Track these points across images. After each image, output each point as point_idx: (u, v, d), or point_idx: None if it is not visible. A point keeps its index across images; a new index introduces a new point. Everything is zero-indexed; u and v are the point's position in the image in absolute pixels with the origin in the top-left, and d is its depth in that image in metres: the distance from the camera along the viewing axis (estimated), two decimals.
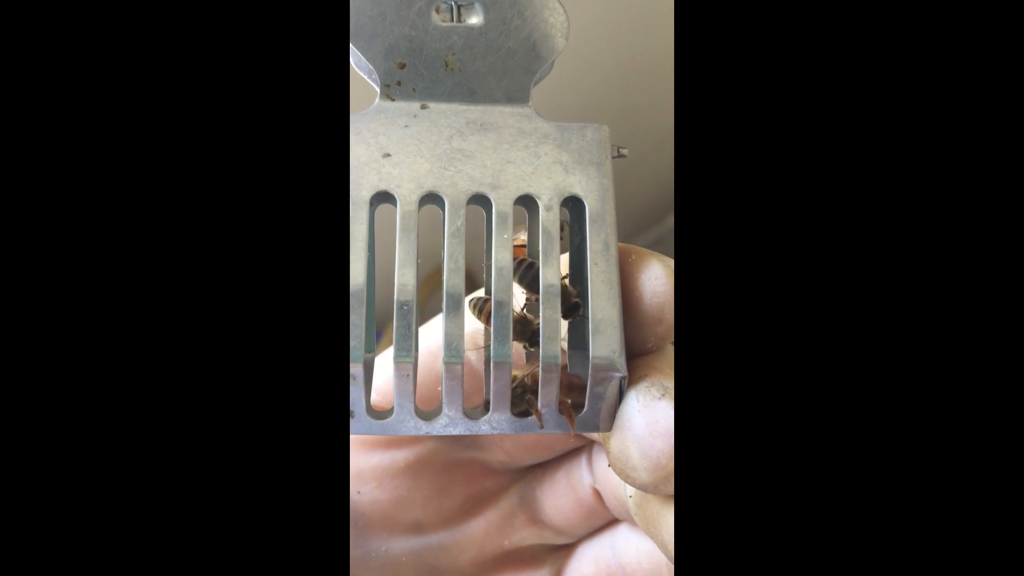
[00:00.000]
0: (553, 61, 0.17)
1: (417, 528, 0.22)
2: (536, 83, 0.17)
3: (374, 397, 0.19)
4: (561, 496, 0.23)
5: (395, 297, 0.16)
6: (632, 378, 0.16)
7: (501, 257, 0.16)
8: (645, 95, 0.76)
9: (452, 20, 0.17)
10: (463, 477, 0.23)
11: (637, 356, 0.17)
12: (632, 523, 0.21)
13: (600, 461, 0.21)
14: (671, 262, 0.17)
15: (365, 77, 0.17)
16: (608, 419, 0.16)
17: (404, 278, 0.16)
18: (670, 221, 0.94)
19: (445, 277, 0.16)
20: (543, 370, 0.16)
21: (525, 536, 0.23)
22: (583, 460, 0.22)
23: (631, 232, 1.04)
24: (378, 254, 0.17)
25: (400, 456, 0.22)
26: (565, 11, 0.17)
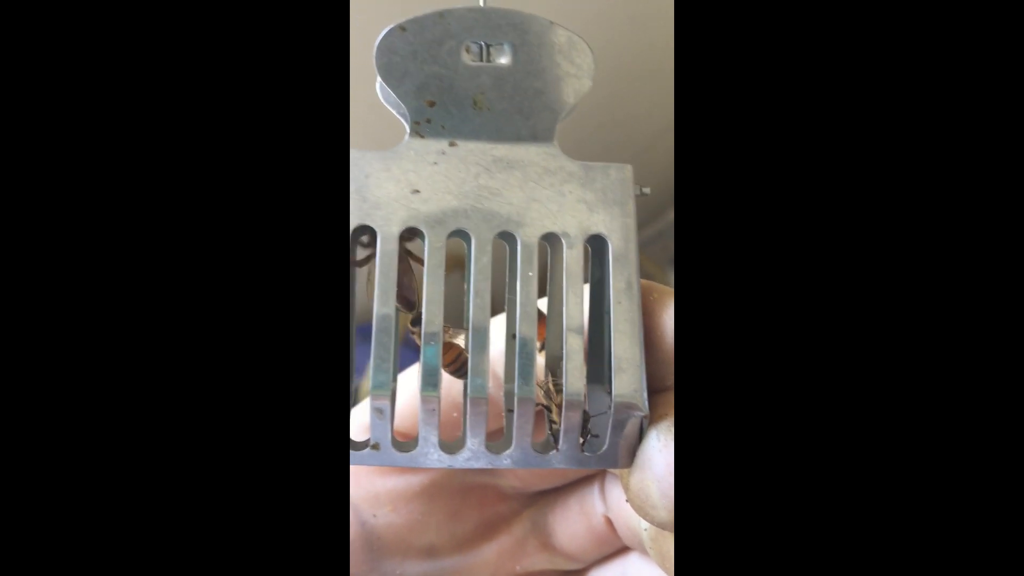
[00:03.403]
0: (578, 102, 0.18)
1: (431, 552, 0.23)
2: (561, 120, 0.18)
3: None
4: (573, 523, 0.23)
5: (423, 332, 0.16)
6: (652, 416, 0.16)
7: (526, 294, 0.16)
8: (643, 87, 0.76)
9: (481, 60, 0.17)
10: (476, 502, 0.23)
11: (657, 393, 0.17)
12: (644, 552, 0.21)
13: (612, 490, 0.22)
14: None
15: (395, 113, 0.18)
16: (627, 456, 0.17)
17: (431, 314, 0.16)
18: (670, 215, 0.94)
19: (471, 313, 0.16)
20: (566, 407, 0.16)
21: (536, 561, 0.23)
22: (595, 488, 0.22)
23: None
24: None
25: (415, 480, 0.22)
26: (592, 52, 0.18)
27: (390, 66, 0.17)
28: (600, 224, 0.17)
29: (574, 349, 0.16)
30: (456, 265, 0.17)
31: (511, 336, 0.17)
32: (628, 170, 0.17)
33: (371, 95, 0.18)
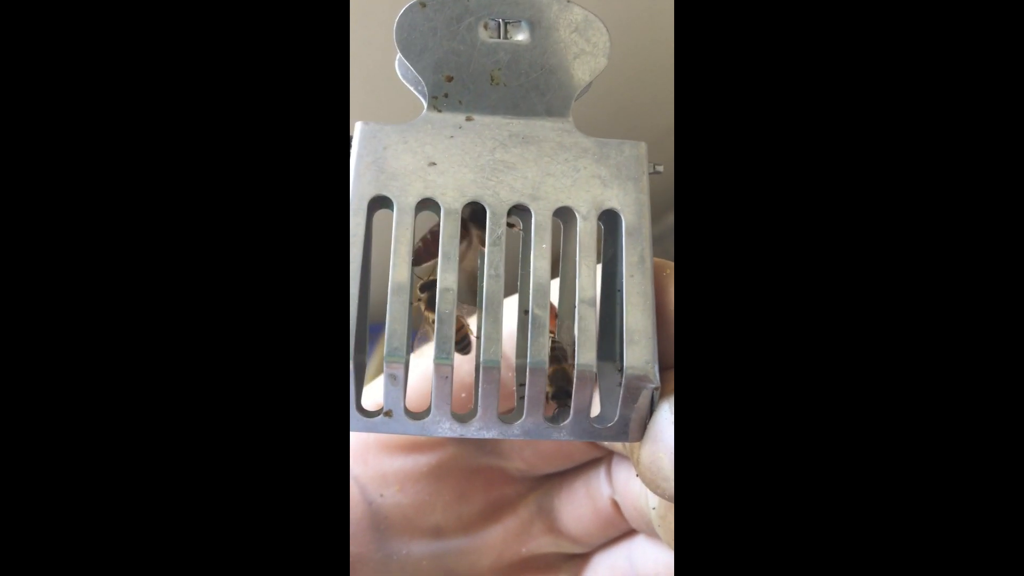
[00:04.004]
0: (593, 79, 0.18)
1: (437, 532, 0.23)
2: (577, 99, 0.18)
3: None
4: (579, 506, 0.23)
5: (438, 301, 0.16)
6: (664, 389, 0.17)
7: (540, 267, 0.16)
8: (644, 92, 0.76)
9: (499, 37, 0.18)
10: (483, 484, 0.23)
11: (667, 369, 0.17)
12: (651, 534, 0.21)
13: (619, 472, 0.22)
14: None
15: (411, 88, 0.18)
16: (638, 429, 0.17)
17: (446, 282, 0.16)
18: (670, 219, 0.94)
19: (485, 283, 0.16)
20: (577, 379, 0.16)
21: (542, 544, 0.23)
22: (602, 471, 0.22)
23: None
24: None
25: (423, 460, 0.22)
26: (607, 31, 0.18)
27: (409, 41, 0.17)
28: (613, 199, 0.17)
29: (587, 322, 0.16)
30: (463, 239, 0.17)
31: (523, 311, 0.17)
32: (642, 147, 0.18)
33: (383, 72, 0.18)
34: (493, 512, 0.23)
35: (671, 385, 0.17)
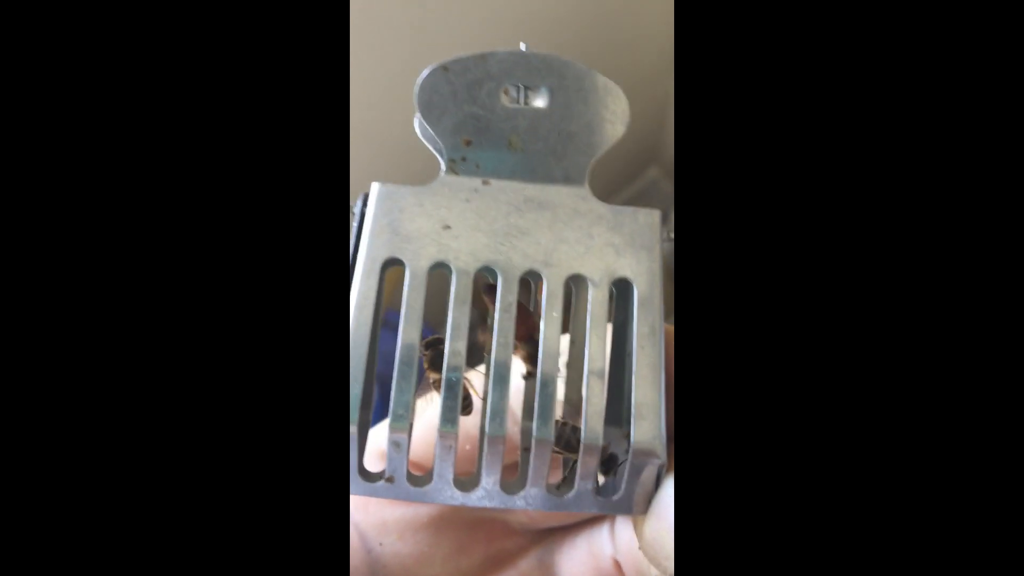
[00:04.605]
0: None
1: None
2: (592, 164, 0.18)
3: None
4: (580, 563, 0.23)
5: (444, 367, 0.16)
6: (670, 463, 0.16)
7: (550, 335, 0.16)
8: (627, 40, 0.76)
9: (519, 102, 0.18)
10: (484, 536, 0.23)
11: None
12: None
13: (623, 531, 0.21)
14: None
15: (431, 148, 0.18)
16: (643, 503, 0.16)
17: (455, 347, 0.16)
18: (652, 173, 0.93)
19: (494, 350, 0.16)
20: (583, 451, 0.16)
21: None
22: (605, 528, 0.22)
23: (612, 187, 0.99)
24: None
25: (424, 511, 0.22)
26: (626, 98, 0.18)
27: (430, 104, 0.17)
28: (626, 268, 0.17)
29: (595, 393, 0.16)
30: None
31: (529, 375, 0.17)
32: (656, 215, 0.18)
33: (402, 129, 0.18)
34: (493, 565, 0.23)
35: None
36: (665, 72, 0.81)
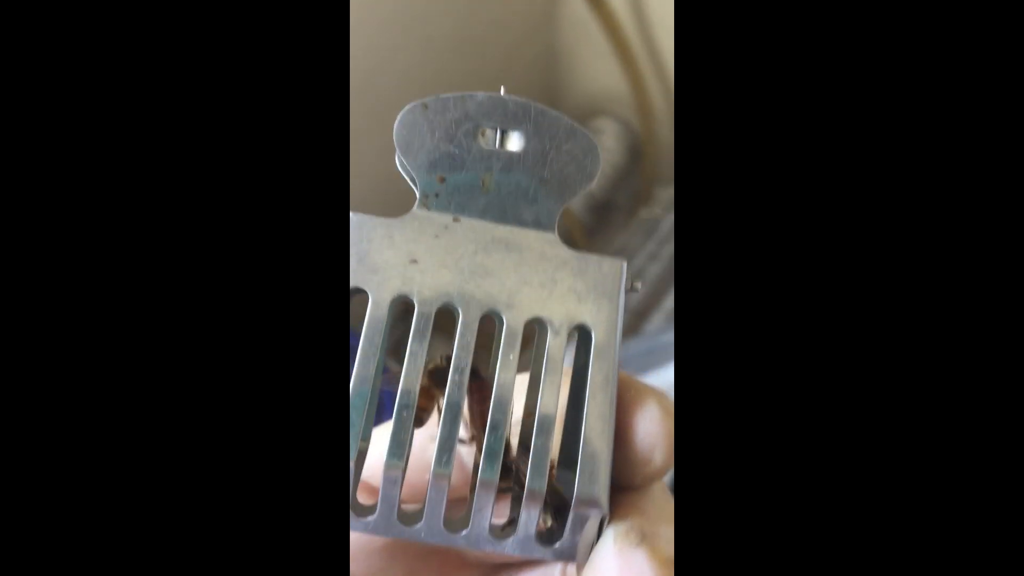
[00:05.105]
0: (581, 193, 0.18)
1: None
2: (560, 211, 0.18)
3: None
4: None
5: (396, 400, 0.16)
6: (614, 515, 0.16)
7: (504, 377, 0.17)
8: None
9: (495, 145, 0.18)
10: (437, 567, 0.23)
11: (621, 492, 0.17)
12: None
13: (573, 573, 0.21)
14: (670, 404, 0.17)
15: (408, 180, 0.19)
16: (585, 552, 0.16)
17: (408, 383, 0.16)
18: (597, 123, 0.94)
19: (448, 388, 0.16)
20: (527, 497, 0.16)
21: None
22: (557, 569, 0.22)
23: None
24: None
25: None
26: (600, 151, 0.18)
27: (408, 140, 0.18)
28: (587, 314, 0.17)
29: (541, 443, 0.16)
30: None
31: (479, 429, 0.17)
32: (622, 266, 0.18)
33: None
34: None
35: (623, 511, 0.17)
36: (545, 26, 0.81)
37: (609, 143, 0.91)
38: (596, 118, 0.93)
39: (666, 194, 0.94)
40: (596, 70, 0.87)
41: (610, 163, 0.91)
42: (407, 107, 0.18)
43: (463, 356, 0.17)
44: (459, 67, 0.77)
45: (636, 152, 0.93)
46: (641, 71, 0.78)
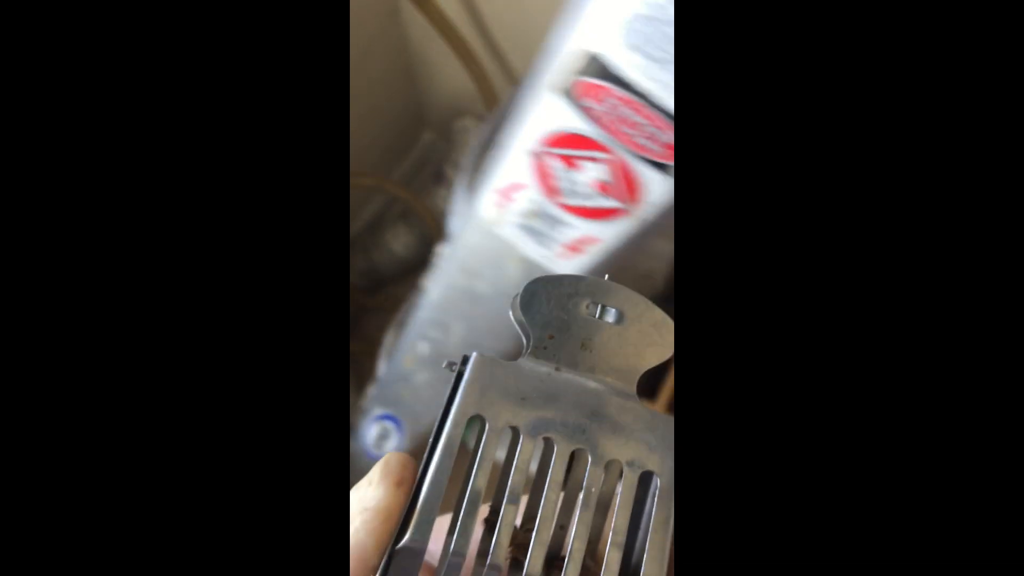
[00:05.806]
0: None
1: None
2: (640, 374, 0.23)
3: None
4: None
5: (500, 523, 0.20)
6: None
7: (585, 514, 0.21)
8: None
9: (596, 316, 0.23)
10: None
11: None
12: None
13: None
14: None
15: (517, 328, 0.23)
16: None
17: (508, 512, 0.20)
18: (427, 137, 0.89)
19: (540, 510, 0.20)
20: None
21: None
22: None
23: (392, 157, 0.92)
24: None
25: None
26: (673, 330, 0.23)
27: (530, 302, 0.23)
28: (655, 463, 0.22)
29: (613, 562, 0.20)
30: None
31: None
32: (672, 422, 0.22)
33: None
34: None
35: None
36: (428, 40, 0.78)
37: (473, 141, 0.91)
38: (460, 118, 0.91)
39: None
40: (447, 72, 0.84)
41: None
42: (533, 279, 0.23)
43: (553, 487, 0.21)
44: None
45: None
46: (484, 69, 0.74)
